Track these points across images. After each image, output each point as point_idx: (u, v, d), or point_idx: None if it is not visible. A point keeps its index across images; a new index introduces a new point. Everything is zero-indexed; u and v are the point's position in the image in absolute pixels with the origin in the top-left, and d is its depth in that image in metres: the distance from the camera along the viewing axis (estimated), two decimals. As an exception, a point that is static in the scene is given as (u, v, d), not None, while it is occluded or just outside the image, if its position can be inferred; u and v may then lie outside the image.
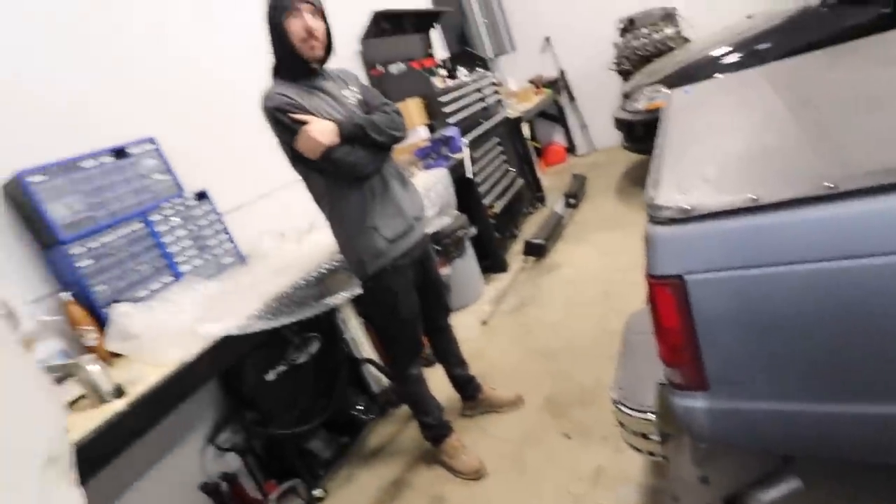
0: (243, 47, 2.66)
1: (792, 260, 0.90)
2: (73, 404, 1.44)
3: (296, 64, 1.67)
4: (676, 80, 3.41)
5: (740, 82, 1.98)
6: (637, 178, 4.71)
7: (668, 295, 1.04)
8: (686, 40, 4.91)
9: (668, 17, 4.99)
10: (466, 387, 2.27)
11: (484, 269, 3.53)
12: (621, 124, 4.19)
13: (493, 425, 2.22)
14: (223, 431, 2.09)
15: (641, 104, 3.84)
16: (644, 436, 1.26)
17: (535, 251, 3.60)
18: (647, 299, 1.11)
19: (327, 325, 2.33)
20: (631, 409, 1.26)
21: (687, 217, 0.97)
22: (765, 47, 3.35)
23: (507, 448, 2.07)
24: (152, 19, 2.32)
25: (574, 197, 4.41)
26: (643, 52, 4.99)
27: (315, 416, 2.18)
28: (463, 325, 2.96)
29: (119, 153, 1.88)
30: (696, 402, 1.07)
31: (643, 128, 3.86)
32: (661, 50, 4.88)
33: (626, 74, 5.08)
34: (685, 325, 1.04)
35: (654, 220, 1.02)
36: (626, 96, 4.08)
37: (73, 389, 1.44)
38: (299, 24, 1.60)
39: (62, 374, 1.43)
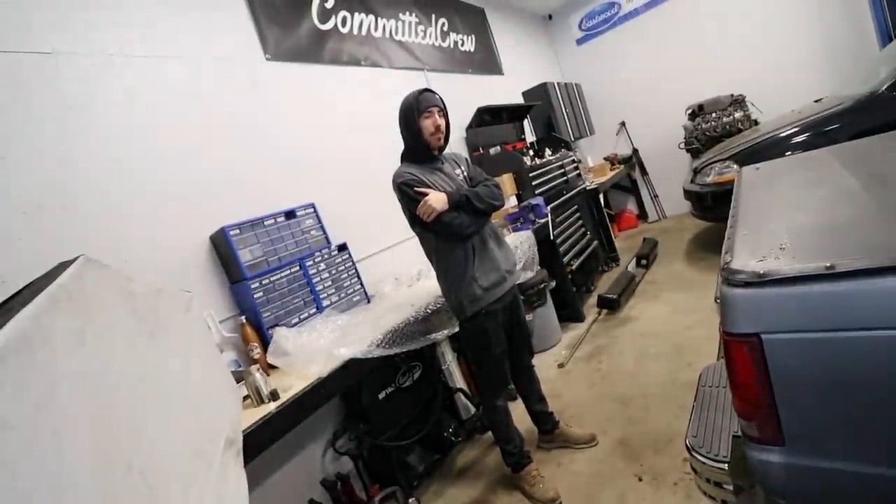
0: (377, 135, 2.96)
1: (867, 326, 0.79)
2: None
3: (421, 151, 1.82)
4: (746, 157, 3.20)
5: (810, 161, 1.82)
6: (705, 243, 4.38)
7: (744, 352, 0.95)
8: (755, 123, 4.61)
9: (737, 102, 4.73)
10: (545, 421, 2.16)
11: (562, 318, 3.42)
12: (691, 195, 3.96)
13: (567, 460, 2.08)
14: (341, 438, 2.17)
15: (711, 178, 3.63)
16: (718, 484, 1.12)
17: (609, 304, 3.43)
18: (723, 354, 1.02)
19: (428, 356, 2.37)
20: (706, 457, 1.13)
21: (763, 281, 0.90)
22: (833, 128, 3.04)
23: (580, 482, 1.92)
24: (315, 122, 2.66)
25: (645, 258, 4.18)
26: (712, 133, 4.75)
27: (414, 432, 2.19)
28: (542, 366, 2.86)
29: (289, 214, 2.14)
30: (771, 457, 0.94)
31: (712, 198, 3.64)
32: (730, 131, 4.61)
33: (695, 153, 4.85)
34: (761, 381, 0.94)
35: (730, 283, 0.96)
36: (696, 171, 3.87)
37: (241, 390, 1.58)
38: (431, 122, 1.76)
39: (237, 378, 1.59)
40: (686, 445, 1.19)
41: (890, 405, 0.80)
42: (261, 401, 1.53)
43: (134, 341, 0.69)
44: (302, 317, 2.05)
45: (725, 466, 1.08)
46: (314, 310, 2.11)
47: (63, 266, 0.65)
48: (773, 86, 4.76)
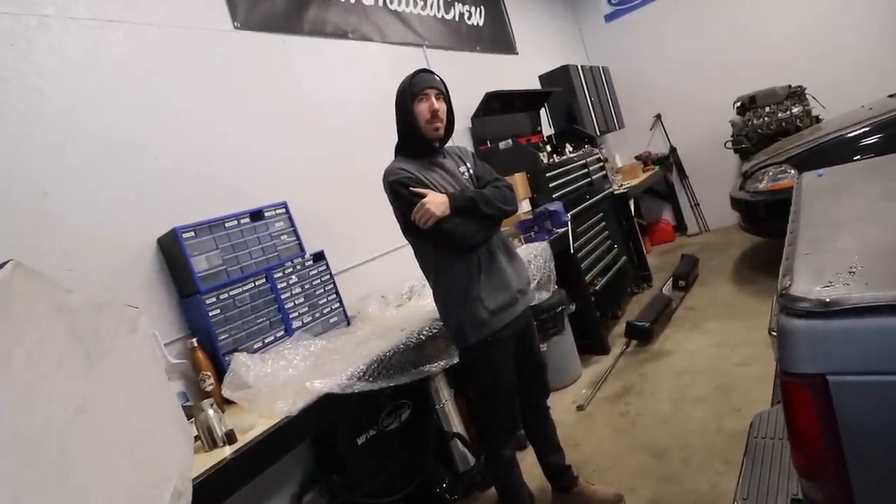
0: (366, 125, 2.98)
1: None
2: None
3: (418, 142, 1.84)
4: (806, 160, 3.26)
5: (885, 166, 1.85)
6: (757, 263, 4.41)
7: (806, 396, 0.96)
8: (816, 120, 4.69)
9: (796, 95, 4.81)
10: (561, 477, 2.15)
11: (582, 349, 3.42)
12: (739, 204, 4.01)
13: (588, 525, 2.07)
14: (309, 492, 2.15)
15: (764, 184, 3.67)
16: (775, 561, 1.12)
17: (639, 334, 3.44)
18: (781, 399, 1.02)
19: (419, 393, 2.36)
20: (760, 525, 1.13)
21: (830, 311, 0.91)
22: (913, 128, 3.11)
23: (604, 554, 1.90)
24: (290, 105, 2.68)
25: (684, 279, 4.20)
26: (766, 131, 4.83)
27: (399, 487, 2.17)
28: (558, 407, 2.85)
29: (255, 215, 2.14)
30: (842, 528, 0.94)
31: (765, 209, 3.68)
32: (787, 129, 4.69)
33: (744, 153, 4.92)
34: (827, 431, 0.94)
35: (790, 313, 0.96)
36: (746, 175, 3.92)
37: (191, 430, 1.57)
38: (426, 106, 1.78)
39: (185, 415, 1.58)
40: (735, 510, 1.19)
41: None
42: (214, 444, 1.52)
43: (70, 366, 0.69)
44: (267, 340, 2.04)
45: (784, 536, 1.08)
46: (282, 332, 2.10)
47: (-13, 273, 0.65)
48: (837, 77, 4.86)
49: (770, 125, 4.82)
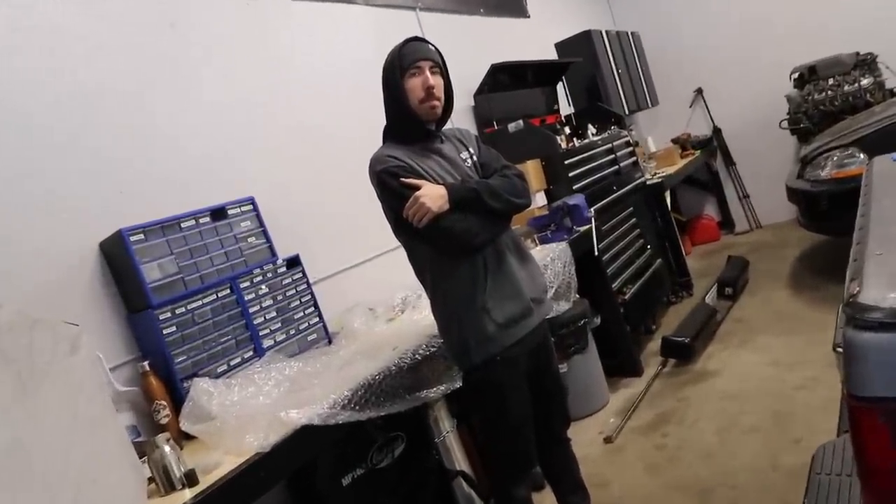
0: (348, 104, 2.99)
1: None
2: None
3: (411, 125, 1.85)
4: (878, 143, 3.26)
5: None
6: (820, 266, 4.43)
7: (880, 424, 0.96)
8: (890, 94, 4.71)
9: (865, 64, 4.83)
10: (585, 523, 2.15)
11: (609, 370, 3.44)
12: (797, 196, 4.03)
13: (619, 581, 2.07)
14: (285, 544, 2.15)
15: (827, 172, 3.69)
16: None
17: (678, 352, 3.46)
18: (849, 427, 1.03)
19: (415, 424, 2.36)
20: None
21: (907, 323, 0.91)
22: None
23: None
24: (259, 82, 2.69)
25: (731, 286, 4.23)
26: (829, 107, 4.85)
27: (393, 537, 2.18)
28: (581, 440, 2.86)
29: (217, 213, 2.15)
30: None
31: (829, 201, 3.70)
32: (854, 105, 4.71)
33: (804, 134, 4.93)
34: (906, 468, 0.95)
35: (858, 325, 0.97)
36: (806, 161, 3.94)
37: (144, 471, 1.57)
38: (419, 81, 1.78)
39: (137, 452, 1.58)
40: (795, 561, 1.19)
41: None
42: (171, 486, 1.52)
43: (-3, 395, 0.69)
44: (233, 363, 2.05)
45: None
46: (251, 353, 2.11)
47: None
48: (915, 42, 4.87)
49: (834, 100, 4.84)
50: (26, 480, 0.70)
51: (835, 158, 3.69)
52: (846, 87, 4.82)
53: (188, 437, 1.82)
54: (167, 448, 1.53)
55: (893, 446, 0.95)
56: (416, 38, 1.85)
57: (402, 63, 1.79)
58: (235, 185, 2.38)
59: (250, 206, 2.26)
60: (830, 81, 4.89)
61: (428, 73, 1.79)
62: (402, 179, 1.74)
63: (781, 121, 5.22)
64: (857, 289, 1.05)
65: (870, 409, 0.97)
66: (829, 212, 3.73)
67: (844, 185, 3.48)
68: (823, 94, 4.90)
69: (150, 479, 1.56)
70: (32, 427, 0.72)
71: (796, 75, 5.12)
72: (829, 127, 4.44)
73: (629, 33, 5.72)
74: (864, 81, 4.77)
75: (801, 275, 4.40)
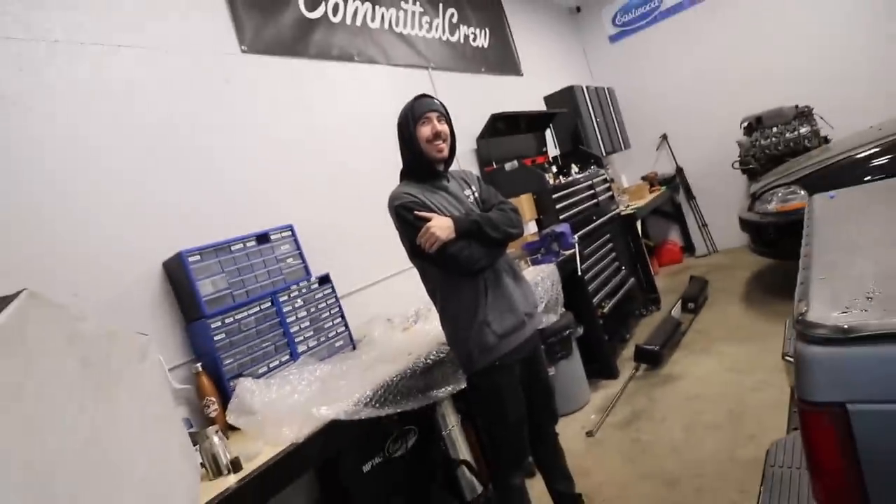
0: (371, 147, 3.02)
1: None
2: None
3: (422, 166, 1.87)
4: (816, 182, 3.27)
5: (897, 189, 1.85)
6: (768, 285, 4.40)
7: (826, 426, 0.95)
8: (824, 140, 4.73)
9: (803, 115, 4.85)
10: (571, 506, 2.12)
11: (590, 373, 3.40)
12: (748, 226, 4.02)
13: (600, 557, 2.03)
14: (313, 521, 2.12)
15: (773, 206, 3.69)
16: None
17: (649, 358, 3.43)
18: (800, 427, 1.01)
19: (426, 419, 2.34)
20: (781, 560, 1.11)
21: (848, 338, 0.90)
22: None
23: (617, 588, 1.86)
24: (296, 127, 2.72)
25: (693, 301, 4.20)
26: (773, 151, 4.87)
27: (406, 516, 2.14)
28: (566, 434, 2.82)
29: (262, 238, 2.16)
30: (864, 563, 0.92)
31: (775, 230, 3.70)
32: (795, 150, 4.73)
33: (752, 174, 4.95)
34: (848, 462, 0.93)
35: (807, 339, 0.96)
36: (755, 196, 3.94)
37: (196, 458, 1.55)
38: (428, 128, 1.82)
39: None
40: (754, 543, 1.16)
41: None
42: (218, 472, 1.50)
43: (81, 396, 0.69)
44: (272, 365, 2.04)
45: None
46: (287, 357, 2.10)
47: (2, 302, 0.66)
48: (845, 97, 4.91)
49: (778, 145, 4.86)
50: (103, 467, 0.70)
51: (779, 194, 3.69)
52: (787, 135, 4.83)
53: (233, 429, 1.81)
54: (216, 438, 1.52)
55: (838, 444, 0.94)
56: (424, 95, 1.89)
57: (415, 114, 1.84)
58: (276, 213, 2.39)
59: (289, 232, 2.27)
60: (774, 129, 4.91)
61: (435, 121, 1.83)
62: (416, 212, 1.76)
63: (733, 162, 5.23)
64: (805, 308, 1.04)
65: (817, 412, 0.96)
66: (776, 239, 3.72)
67: (788, 216, 3.48)
68: (769, 140, 4.92)
69: (201, 465, 1.55)
70: (109, 423, 0.72)
71: (745, 124, 5.14)
72: (773, 168, 4.44)
73: (605, 88, 5.77)
74: (803, 130, 4.79)
75: (753, 292, 4.37)
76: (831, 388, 0.94)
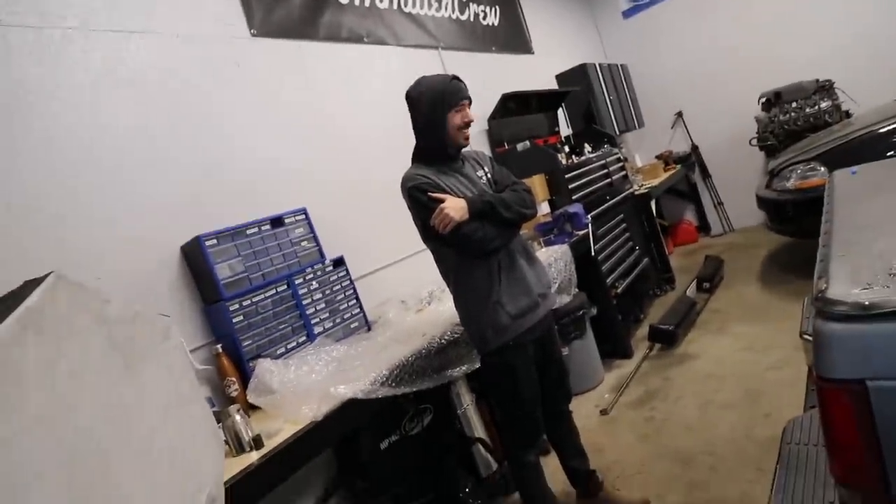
0: (382, 128, 3.01)
1: None
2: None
3: (442, 150, 1.85)
4: (836, 157, 3.20)
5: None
6: (785, 264, 4.35)
7: (845, 402, 0.95)
8: (846, 114, 4.61)
9: (824, 89, 4.73)
10: (585, 482, 2.14)
11: (604, 353, 3.41)
12: (766, 203, 3.95)
13: (615, 532, 2.05)
14: (332, 497, 2.17)
15: (792, 182, 3.62)
16: (814, 571, 1.11)
17: (663, 338, 3.42)
18: (817, 405, 1.01)
19: (441, 398, 2.37)
20: (797, 534, 1.12)
21: (869, 314, 0.90)
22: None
23: (632, 562, 1.89)
24: (308, 110, 2.72)
25: (709, 281, 4.17)
26: (792, 127, 4.76)
27: (422, 492, 2.18)
28: (580, 412, 2.84)
29: (276, 222, 2.18)
30: (880, 534, 0.93)
31: (793, 208, 3.64)
32: (815, 125, 4.62)
33: (770, 150, 4.85)
34: (866, 439, 0.93)
35: (827, 316, 0.95)
36: (773, 174, 3.87)
37: (220, 435, 1.59)
38: (461, 117, 1.80)
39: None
40: (770, 518, 1.17)
41: None
42: (241, 449, 1.54)
43: (109, 376, 0.71)
44: (289, 346, 2.07)
45: (821, 546, 1.07)
46: (304, 338, 2.13)
47: (31, 284, 0.68)
48: (867, 70, 4.77)
49: (797, 121, 4.75)
50: (133, 443, 0.72)
51: (798, 171, 3.62)
52: (807, 110, 4.72)
53: (254, 408, 1.85)
54: (238, 417, 1.56)
55: (856, 421, 0.94)
56: (456, 78, 1.84)
57: (450, 100, 1.79)
58: (289, 197, 2.41)
59: (303, 216, 2.29)
60: (794, 105, 4.80)
61: (468, 109, 1.81)
62: (430, 194, 1.75)
63: (751, 139, 5.13)
64: (825, 286, 1.03)
65: (836, 389, 0.96)
66: (794, 217, 3.67)
67: (807, 194, 3.41)
68: (788, 115, 4.81)
69: (224, 443, 1.59)
70: (137, 401, 0.75)
71: (764, 99, 5.03)
72: (792, 144, 4.35)
73: (619, 65, 5.67)
74: (824, 104, 4.68)
75: (769, 271, 4.32)
76: (851, 365, 0.93)
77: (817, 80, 4.77)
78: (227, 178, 2.27)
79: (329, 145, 2.77)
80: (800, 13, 5.11)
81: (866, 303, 0.91)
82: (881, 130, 3.29)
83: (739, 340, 3.24)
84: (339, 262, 2.35)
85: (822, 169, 3.39)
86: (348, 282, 2.36)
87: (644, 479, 2.27)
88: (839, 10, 4.92)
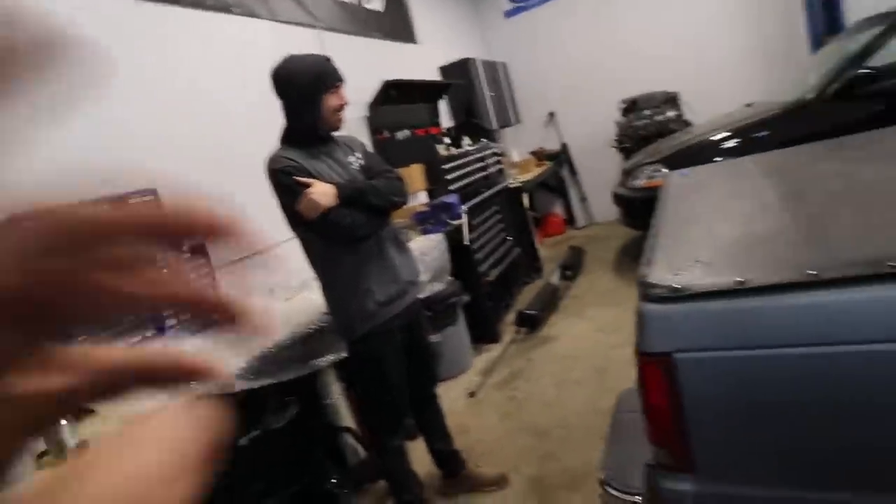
0: (250, 108, 2.82)
1: (776, 343, 0.94)
2: (37, 459, 1.41)
3: (313, 132, 1.78)
4: (676, 160, 3.60)
5: (737, 169, 2.11)
6: (635, 254, 4.77)
7: (656, 373, 1.07)
8: (687, 123, 5.21)
9: (670, 100, 5.31)
10: (449, 462, 2.22)
11: (475, 338, 3.53)
12: (620, 200, 4.35)
13: (475, 507, 2.16)
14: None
15: (641, 182, 4.02)
16: (631, 520, 1.25)
17: (529, 322, 3.63)
18: (637, 377, 1.13)
19: (307, 389, 2.30)
20: (618, 490, 1.25)
21: (677, 296, 1.02)
22: (762, 135, 3.56)
23: (490, 534, 2.00)
24: (163, 81, 2.47)
25: (571, 269, 4.49)
26: (644, 131, 5.28)
27: (287, 486, 2.11)
28: (449, 396, 2.93)
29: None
30: (682, 485, 1.07)
31: (642, 205, 4.01)
32: (662, 131, 5.16)
33: (626, 152, 5.34)
34: (673, 404, 1.06)
35: (647, 298, 1.07)
36: (627, 173, 4.27)
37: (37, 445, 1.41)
38: (336, 99, 1.74)
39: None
40: (599, 480, 1.30)
41: (799, 426, 0.95)
42: (65, 458, 1.37)
43: None
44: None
45: (639, 499, 1.21)
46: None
47: None
48: (707, 85, 5.42)
49: (649, 127, 5.28)
50: None
51: (646, 171, 4.02)
52: (657, 118, 5.27)
53: (90, 410, 1.65)
54: (62, 421, 1.38)
55: (664, 388, 1.06)
56: (330, 60, 1.79)
57: (327, 81, 1.73)
58: (139, 178, 2.17)
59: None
60: (647, 112, 5.33)
61: (342, 91, 1.76)
62: (296, 178, 1.68)
63: (612, 141, 5.62)
64: (647, 271, 1.16)
65: (650, 361, 1.08)
66: (642, 213, 4.03)
67: (653, 192, 3.75)
68: (642, 121, 5.34)
69: (44, 453, 1.40)
70: None
71: (623, 106, 5.52)
72: (644, 147, 4.83)
73: (500, 63, 5.88)
74: (670, 114, 5.26)
75: (622, 261, 4.76)
76: (662, 340, 1.06)
77: (666, 92, 5.34)
78: (66, 156, 1.98)
79: (188, 123, 2.53)
80: (658, 32, 5.65)
81: (675, 286, 1.03)
82: (712, 138, 3.77)
83: (593, 323, 3.54)
84: (198, 249, 2.17)
85: (665, 170, 3.81)
86: (207, 270, 2.20)
87: (503, 454, 2.40)
88: (689, 34, 5.51)
